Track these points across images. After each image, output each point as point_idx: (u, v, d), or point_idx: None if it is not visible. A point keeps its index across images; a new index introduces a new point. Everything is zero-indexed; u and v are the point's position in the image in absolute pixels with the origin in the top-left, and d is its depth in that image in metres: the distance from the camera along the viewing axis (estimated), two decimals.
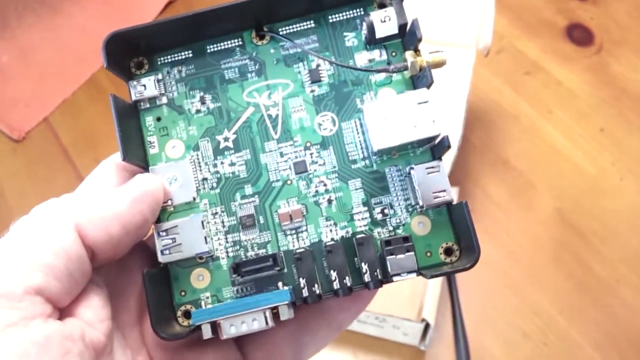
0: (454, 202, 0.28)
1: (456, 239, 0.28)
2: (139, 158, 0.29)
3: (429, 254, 0.28)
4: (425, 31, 0.62)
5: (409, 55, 0.28)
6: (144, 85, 0.29)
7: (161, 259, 0.27)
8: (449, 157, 0.55)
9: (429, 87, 0.28)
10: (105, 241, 0.25)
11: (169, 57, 0.30)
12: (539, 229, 0.60)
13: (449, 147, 0.27)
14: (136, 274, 0.28)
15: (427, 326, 0.52)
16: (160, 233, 0.28)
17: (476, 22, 0.59)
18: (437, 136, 0.27)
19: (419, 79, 0.29)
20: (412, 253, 0.27)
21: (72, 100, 0.75)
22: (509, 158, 0.63)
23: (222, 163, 0.29)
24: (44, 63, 0.78)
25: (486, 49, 0.56)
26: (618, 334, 0.55)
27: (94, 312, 0.25)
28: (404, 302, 0.51)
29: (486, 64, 0.66)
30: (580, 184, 0.62)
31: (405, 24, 0.29)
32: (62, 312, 0.24)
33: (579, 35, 0.70)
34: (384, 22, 0.29)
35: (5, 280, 0.22)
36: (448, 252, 0.28)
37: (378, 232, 0.29)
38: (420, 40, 0.28)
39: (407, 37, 0.29)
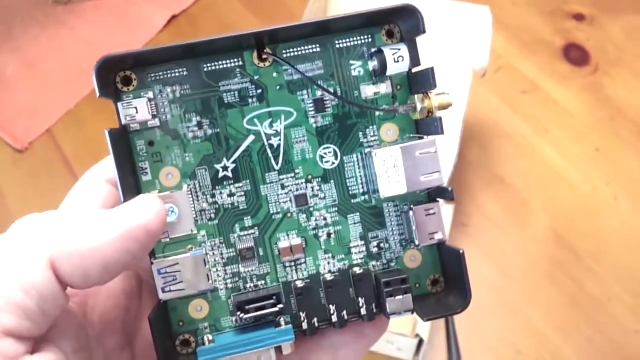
0: (446, 242, 0.29)
1: (442, 271, 0.30)
2: (129, 186, 0.27)
3: (417, 285, 0.30)
4: (423, 51, 0.63)
5: (418, 99, 0.28)
6: (136, 108, 0.27)
7: (162, 296, 0.26)
8: (445, 174, 0.56)
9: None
10: (81, 281, 0.22)
11: (160, 74, 0.28)
12: (534, 247, 0.61)
13: (452, 198, 0.28)
14: (119, 295, 0.27)
15: (421, 341, 0.52)
16: (160, 271, 0.26)
17: (473, 43, 0.60)
18: (441, 184, 0.28)
19: (428, 125, 0.29)
20: (410, 295, 0.27)
21: (75, 111, 0.76)
22: (505, 176, 0.64)
23: (221, 193, 0.28)
24: (48, 74, 0.79)
25: (483, 70, 0.57)
26: (610, 352, 0.55)
27: (68, 342, 0.24)
28: (398, 318, 0.52)
29: (484, 83, 0.67)
30: (575, 203, 0.62)
31: (419, 65, 0.28)
32: (36, 340, 0.22)
33: (576, 55, 0.71)
34: (397, 62, 0.28)
35: None
36: (435, 283, 0.30)
37: (373, 265, 0.29)
38: (434, 88, 0.28)
39: (418, 79, 0.29)
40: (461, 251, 0.28)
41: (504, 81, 0.70)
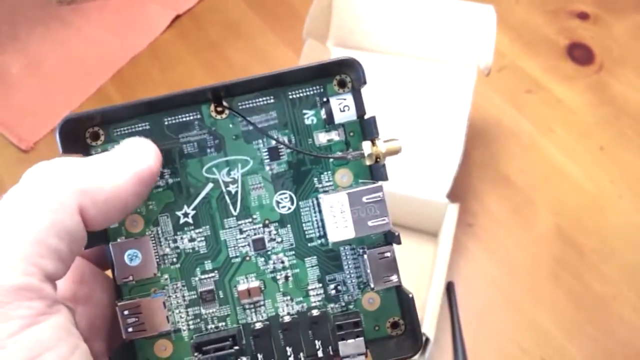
0: (402, 285, 0.29)
1: (402, 314, 0.30)
2: (98, 237, 0.28)
3: (377, 327, 0.30)
4: (428, 50, 0.64)
5: (365, 146, 0.29)
6: None
7: (125, 335, 0.28)
8: (450, 173, 0.56)
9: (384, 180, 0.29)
10: (102, 223, 0.24)
11: (125, 129, 0.29)
12: (538, 245, 0.61)
13: (398, 242, 0.29)
14: (105, 306, 0.28)
15: (426, 341, 0.53)
16: (124, 312, 0.28)
17: (478, 41, 0.60)
18: (389, 229, 0.29)
19: (376, 170, 0.30)
20: (362, 338, 0.28)
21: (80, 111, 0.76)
22: (510, 175, 0.64)
23: (182, 239, 0.29)
24: (53, 75, 0.79)
25: (487, 68, 0.57)
26: (615, 350, 0.55)
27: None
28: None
29: (488, 82, 0.67)
30: (579, 202, 0.62)
31: (364, 114, 0.29)
32: None
33: (580, 54, 0.71)
34: (343, 112, 0.29)
35: (19, 271, 0.21)
36: (394, 325, 0.30)
37: (331, 308, 0.30)
38: (377, 137, 0.29)
39: (366, 127, 0.30)
40: (410, 295, 0.28)
41: (508, 80, 0.70)
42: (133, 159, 0.25)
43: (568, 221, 0.61)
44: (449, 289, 0.59)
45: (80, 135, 0.29)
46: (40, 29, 0.83)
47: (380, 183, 0.29)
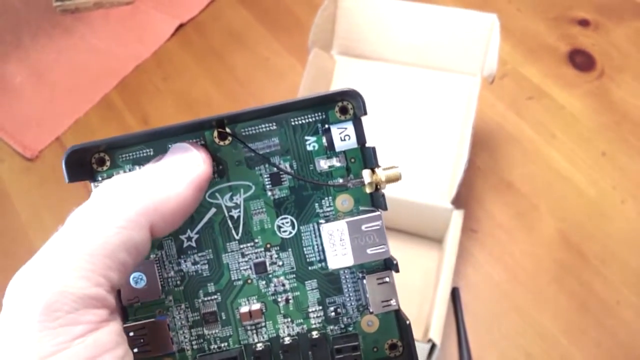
0: (400, 310, 0.30)
1: (400, 336, 0.31)
2: None
3: (375, 349, 0.31)
4: (432, 59, 0.64)
5: (365, 174, 0.29)
6: None
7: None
8: (455, 180, 0.56)
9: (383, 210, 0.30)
10: (166, 232, 0.26)
11: (130, 154, 0.30)
12: (542, 251, 0.61)
13: (397, 270, 0.29)
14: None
15: (433, 346, 0.53)
16: (130, 333, 0.28)
17: (481, 49, 0.61)
18: (387, 257, 0.29)
19: (376, 198, 0.30)
20: None
21: (85, 120, 0.76)
22: (513, 181, 0.65)
23: (185, 262, 0.30)
24: (57, 83, 0.80)
25: (491, 75, 0.58)
26: (619, 355, 0.56)
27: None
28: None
29: (490, 89, 0.67)
30: (582, 207, 0.63)
31: (365, 143, 0.30)
32: None
33: (581, 60, 0.72)
34: (344, 141, 0.30)
35: (91, 281, 0.22)
36: (393, 347, 0.31)
37: (331, 330, 0.31)
38: (377, 167, 0.29)
39: (366, 159, 0.30)
40: (408, 322, 0.29)
41: (509, 87, 0.71)
42: (188, 167, 0.27)
43: (571, 227, 0.62)
44: (454, 294, 0.59)
45: (86, 161, 0.29)
46: (43, 38, 0.83)
47: (379, 212, 0.29)
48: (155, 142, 0.30)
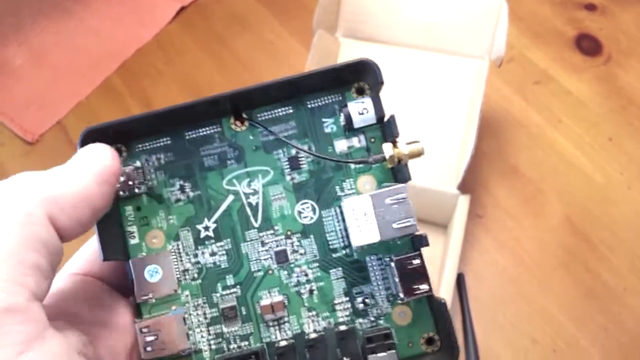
0: (434, 294, 0.28)
1: (436, 329, 0.29)
2: (118, 251, 0.28)
3: (410, 344, 0.29)
4: (438, 42, 0.63)
5: (386, 148, 0.28)
6: (123, 175, 0.29)
7: (144, 355, 0.27)
8: (461, 165, 0.56)
9: (406, 182, 0.28)
10: (77, 229, 0.24)
11: (147, 144, 0.30)
12: (548, 237, 0.61)
13: (427, 244, 0.27)
14: (124, 330, 0.28)
15: None
16: (143, 330, 0.27)
17: (490, 32, 0.60)
18: (414, 233, 0.28)
19: (398, 171, 0.29)
20: (394, 351, 0.27)
21: (86, 103, 0.75)
22: (519, 166, 0.64)
23: (203, 253, 0.29)
24: (57, 66, 0.79)
25: (499, 59, 0.57)
26: (625, 341, 0.55)
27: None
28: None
29: (496, 73, 0.67)
30: (588, 193, 0.62)
31: (383, 116, 0.29)
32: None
33: (588, 45, 0.71)
34: (362, 114, 0.29)
35: (3, 292, 0.19)
36: (429, 341, 0.29)
37: (360, 323, 0.29)
38: (397, 136, 0.28)
39: (386, 129, 0.29)
40: (443, 301, 0.27)
41: (516, 71, 0.70)
42: (90, 162, 0.25)
43: (577, 212, 0.61)
44: (459, 280, 0.59)
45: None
46: (44, 20, 0.82)
47: (403, 184, 0.28)
48: (172, 131, 0.29)
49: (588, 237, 0.60)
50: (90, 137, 0.27)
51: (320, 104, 0.30)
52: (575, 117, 0.67)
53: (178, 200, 0.29)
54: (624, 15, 0.73)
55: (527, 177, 0.64)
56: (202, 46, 0.78)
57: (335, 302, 0.29)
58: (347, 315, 0.29)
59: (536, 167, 0.64)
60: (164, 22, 0.80)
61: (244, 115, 0.30)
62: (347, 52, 0.65)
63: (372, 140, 0.30)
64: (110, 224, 0.28)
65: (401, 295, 0.27)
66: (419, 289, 0.27)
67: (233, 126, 0.30)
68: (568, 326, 0.56)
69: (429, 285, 0.27)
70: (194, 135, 0.30)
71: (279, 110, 0.30)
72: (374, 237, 0.27)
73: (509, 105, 0.68)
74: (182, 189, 0.29)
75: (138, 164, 0.29)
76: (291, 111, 0.30)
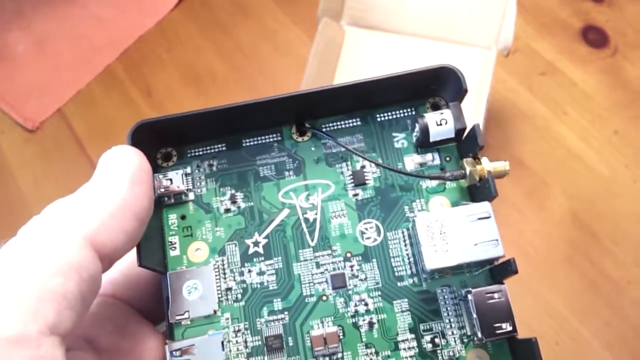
0: (517, 335, 0.24)
1: None
2: (156, 261, 0.26)
3: None
4: (445, 31, 0.63)
5: (467, 163, 0.26)
6: (170, 180, 0.26)
7: None
8: None
9: (490, 200, 0.25)
10: (121, 241, 0.21)
11: (200, 150, 0.27)
12: (553, 229, 0.60)
13: (515, 272, 0.23)
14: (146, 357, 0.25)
15: None
16: (174, 353, 0.24)
17: (497, 22, 0.59)
18: (499, 258, 0.24)
19: (478, 190, 0.26)
20: None
21: (87, 90, 0.75)
22: (524, 158, 0.64)
23: (249, 271, 0.26)
24: (59, 53, 0.78)
25: (506, 49, 0.56)
26: (630, 335, 0.55)
27: None
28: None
29: (502, 64, 0.66)
30: (593, 186, 0.62)
31: (464, 129, 0.26)
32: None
33: (594, 37, 0.70)
34: (440, 126, 0.26)
35: (13, 319, 0.17)
36: None
37: None
38: (481, 148, 0.25)
39: (466, 142, 0.26)
40: (533, 339, 0.23)
41: (521, 63, 0.69)
42: (116, 165, 0.23)
43: (582, 205, 0.61)
44: None
45: (152, 155, 0.27)
46: (45, 6, 0.81)
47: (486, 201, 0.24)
48: (228, 138, 0.27)
49: (592, 231, 0.60)
50: (140, 131, 0.25)
51: (390, 117, 0.27)
52: (580, 109, 0.66)
53: (227, 210, 0.27)
54: (631, 7, 0.72)
55: (532, 170, 0.63)
56: (204, 34, 0.77)
57: (399, 339, 0.25)
58: (411, 356, 0.25)
59: (541, 160, 0.64)
60: (166, 10, 0.79)
61: (307, 125, 0.27)
62: (352, 41, 0.64)
63: (448, 159, 0.27)
64: (150, 232, 0.25)
65: (479, 334, 0.24)
66: (500, 327, 0.23)
67: (294, 136, 0.28)
68: (572, 320, 0.56)
69: (514, 325, 0.23)
70: (252, 143, 0.28)
71: (345, 121, 0.27)
72: (452, 259, 0.23)
73: (515, 97, 0.67)
74: (233, 198, 0.27)
75: (188, 169, 0.27)
76: (359, 123, 0.27)
